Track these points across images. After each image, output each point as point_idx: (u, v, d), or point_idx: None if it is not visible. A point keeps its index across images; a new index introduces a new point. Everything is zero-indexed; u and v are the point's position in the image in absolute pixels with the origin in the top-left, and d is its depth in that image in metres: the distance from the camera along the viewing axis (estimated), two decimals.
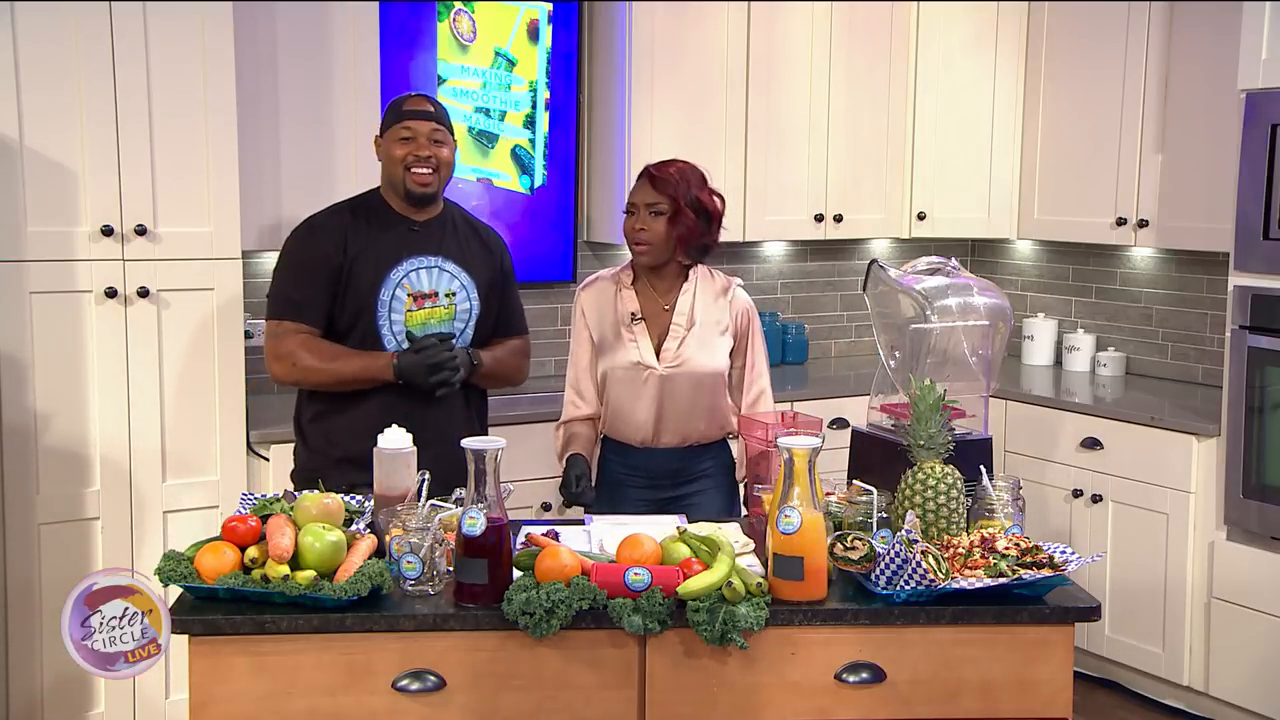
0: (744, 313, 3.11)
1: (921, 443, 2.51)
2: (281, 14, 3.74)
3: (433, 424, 2.85)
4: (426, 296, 3.00)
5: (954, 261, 3.07)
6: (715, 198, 3.04)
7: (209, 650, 2.17)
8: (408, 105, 3.00)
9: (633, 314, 3.04)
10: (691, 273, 3.08)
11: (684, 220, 2.97)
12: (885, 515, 2.52)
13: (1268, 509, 3.76)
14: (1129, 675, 4.24)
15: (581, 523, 2.73)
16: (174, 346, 3.49)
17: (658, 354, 3.02)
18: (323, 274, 2.95)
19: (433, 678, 2.19)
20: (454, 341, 2.99)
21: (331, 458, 2.97)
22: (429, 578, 2.25)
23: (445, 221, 3.08)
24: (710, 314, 3.06)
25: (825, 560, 2.26)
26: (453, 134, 3.03)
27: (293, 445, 3.15)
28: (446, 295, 3.02)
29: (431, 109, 3.01)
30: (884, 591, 2.25)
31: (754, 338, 3.12)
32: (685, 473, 3.09)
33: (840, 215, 4.78)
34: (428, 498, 2.37)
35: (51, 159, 3.30)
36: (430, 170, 2.96)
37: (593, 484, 3.06)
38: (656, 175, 3.00)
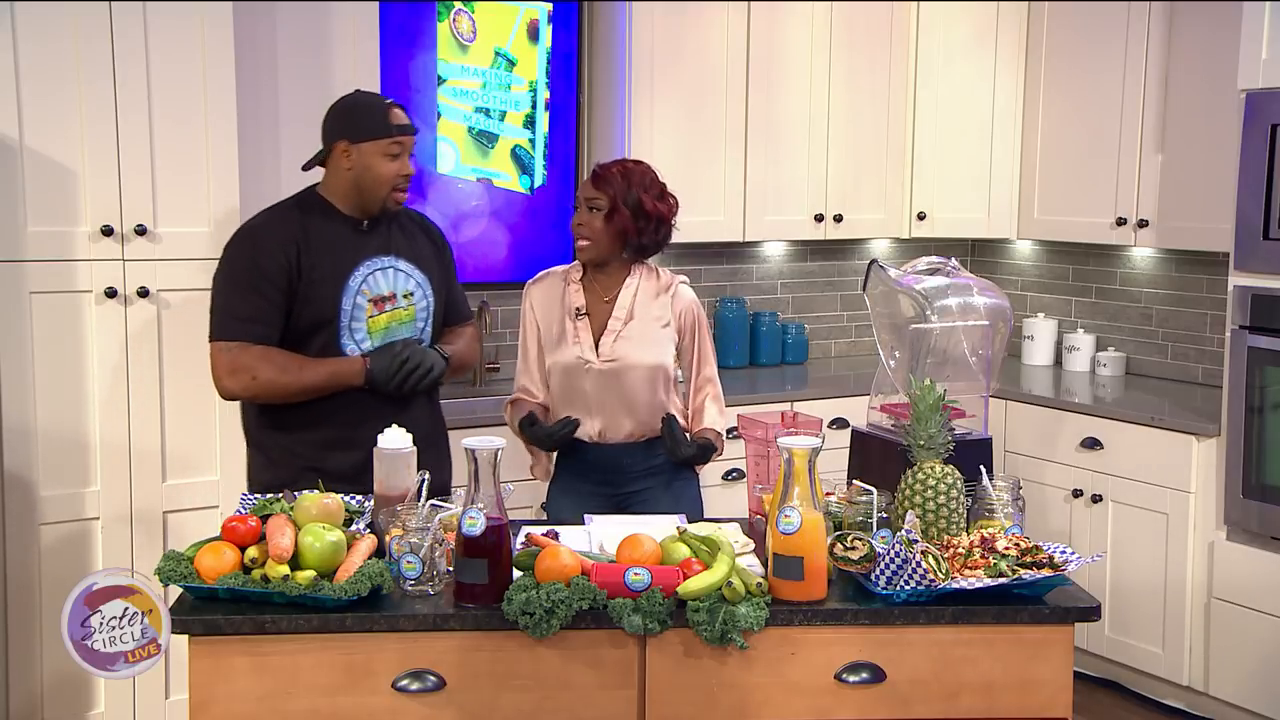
0: (687, 310, 3.10)
1: (921, 443, 2.51)
2: (281, 14, 3.74)
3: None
4: (386, 299, 2.92)
5: (954, 261, 3.07)
6: (659, 202, 3.03)
7: (209, 650, 2.17)
8: (395, 119, 2.86)
9: (577, 309, 3.06)
10: (635, 269, 3.09)
11: (619, 219, 2.99)
12: (885, 515, 2.52)
13: (1268, 509, 3.76)
14: (1129, 675, 4.24)
15: (581, 522, 2.74)
16: (174, 346, 3.48)
17: (597, 349, 3.04)
18: (273, 285, 2.80)
19: (433, 678, 2.19)
20: (420, 344, 2.93)
21: (296, 468, 2.84)
22: (429, 578, 2.25)
23: (387, 218, 2.98)
24: (650, 310, 3.07)
25: (825, 560, 2.26)
26: None
27: (245, 457, 3.03)
28: (404, 296, 2.95)
29: (409, 121, 2.90)
30: (884, 591, 2.25)
31: (699, 335, 3.12)
32: (636, 469, 3.08)
33: (840, 215, 4.78)
34: (427, 498, 2.37)
35: (51, 159, 3.30)
36: (405, 191, 2.92)
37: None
38: (598, 173, 3.03)
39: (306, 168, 3.00)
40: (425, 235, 3.08)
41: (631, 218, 2.99)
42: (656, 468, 3.09)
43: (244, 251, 2.86)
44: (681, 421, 3.10)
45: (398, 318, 2.94)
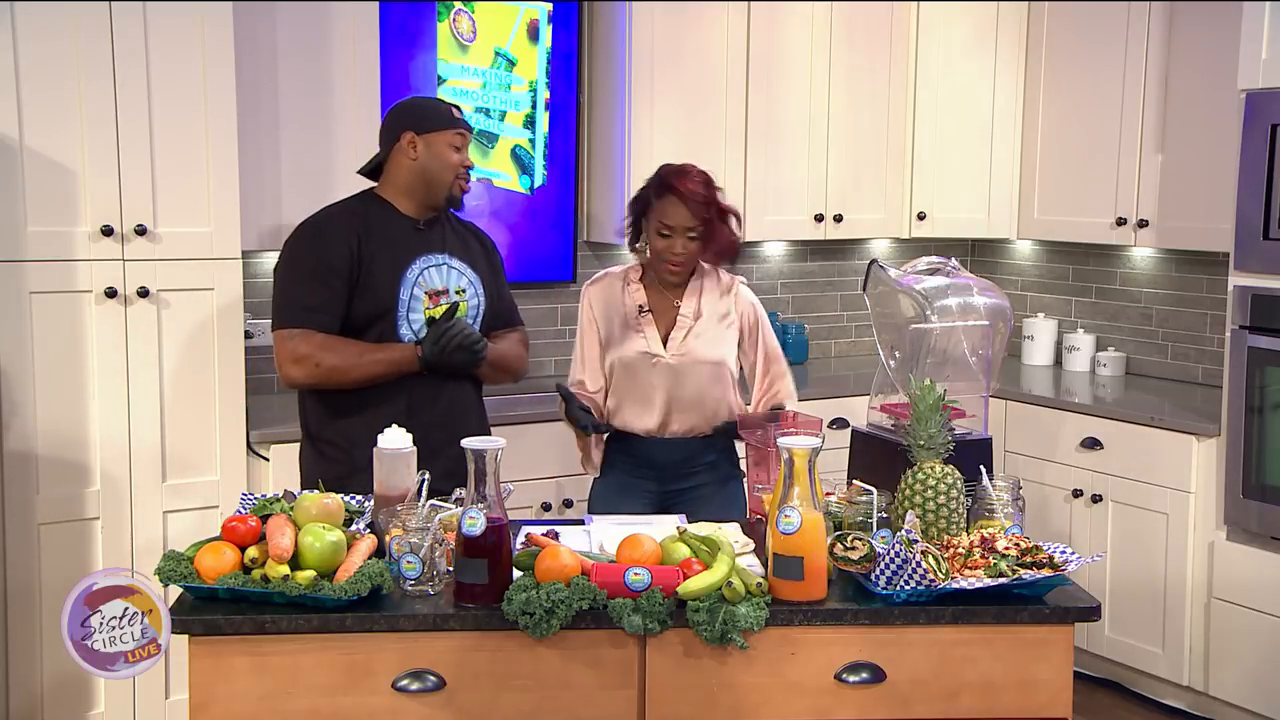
0: (749, 310, 3.19)
1: (921, 443, 2.51)
2: (281, 14, 3.74)
3: (452, 419, 2.91)
4: (440, 293, 3.02)
5: (954, 261, 3.08)
6: (734, 233, 3.10)
7: (209, 650, 2.17)
8: (458, 114, 3.03)
9: (640, 306, 3.10)
10: (696, 270, 3.13)
11: (717, 235, 3.04)
12: (885, 515, 2.52)
13: (1268, 509, 3.76)
14: (1129, 675, 4.24)
15: (581, 523, 2.74)
16: (174, 346, 3.49)
17: (665, 345, 3.07)
18: (337, 275, 2.91)
19: (433, 678, 2.19)
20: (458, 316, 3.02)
21: (353, 461, 2.88)
22: (429, 578, 2.25)
23: (441, 221, 3.10)
24: (715, 309, 3.14)
25: (825, 560, 2.26)
26: None
27: (298, 449, 3.11)
28: (457, 292, 3.05)
29: (467, 121, 3.07)
30: (884, 591, 2.25)
31: (763, 332, 3.20)
32: (690, 464, 3.13)
33: (840, 215, 4.78)
34: (428, 497, 2.37)
35: (51, 159, 3.30)
36: (470, 182, 3.04)
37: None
38: (689, 196, 2.99)
39: (362, 171, 3.10)
40: (476, 240, 3.20)
41: (724, 226, 3.05)
42: (709, 464, 3.13)
43: (309, 243, 2.97)
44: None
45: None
